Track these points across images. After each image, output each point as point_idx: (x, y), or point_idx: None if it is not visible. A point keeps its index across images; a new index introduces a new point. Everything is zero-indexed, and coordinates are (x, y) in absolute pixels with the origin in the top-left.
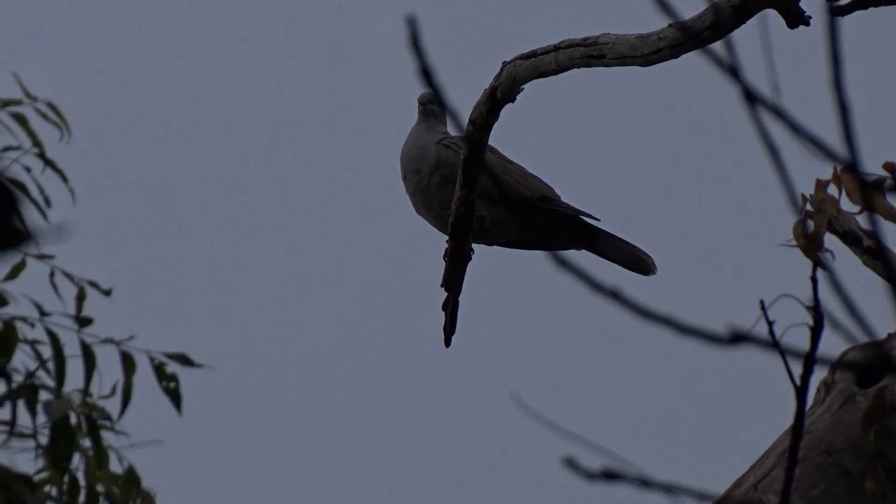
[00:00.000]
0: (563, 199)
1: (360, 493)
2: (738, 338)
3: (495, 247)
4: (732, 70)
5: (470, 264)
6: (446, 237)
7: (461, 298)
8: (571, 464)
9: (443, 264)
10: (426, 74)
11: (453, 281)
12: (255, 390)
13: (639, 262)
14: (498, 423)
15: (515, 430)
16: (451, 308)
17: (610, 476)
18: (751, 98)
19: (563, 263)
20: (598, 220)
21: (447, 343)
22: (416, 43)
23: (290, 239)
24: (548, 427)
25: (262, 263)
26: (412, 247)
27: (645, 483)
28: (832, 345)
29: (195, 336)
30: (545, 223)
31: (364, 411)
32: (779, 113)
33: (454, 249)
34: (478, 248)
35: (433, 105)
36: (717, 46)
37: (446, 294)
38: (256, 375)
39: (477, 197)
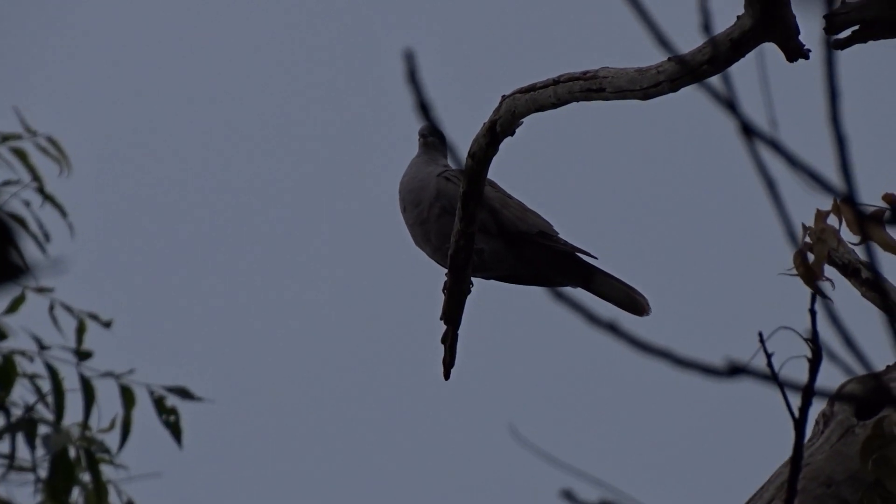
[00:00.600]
0: (561, 235)
1: None
2: (735, 370)
3: (493, 281)
4: (730, 104)
5: (469, 297)
6: (445, 270)
7: (460, 331)
8: (569, 496)
9: (442, 297)
10: (423, 108)
11: (452, 314)
12: (254, 423)
13: (633, 303)
14: (496, 455)
15: (514, 463)
16: (450, 341)
17: None
18: (748, 131)
19: (561, 297)
20: (596, 259)
21: (446, 376)
22: (413, 77)
23: (290, 271)
24: (545, 459)
25: (262, 296)
26: (412, 279)
27: None
28: (831, 376)
29: (195, 369)
30: (542, 259)
31: (364, 444)
32: (776, 146)
33: (453, 282)
34: (476, 282)
35: (433, 137)
36: (716, 80)
37: (445, 327)
38: (256, 408)
39: (476, 230)
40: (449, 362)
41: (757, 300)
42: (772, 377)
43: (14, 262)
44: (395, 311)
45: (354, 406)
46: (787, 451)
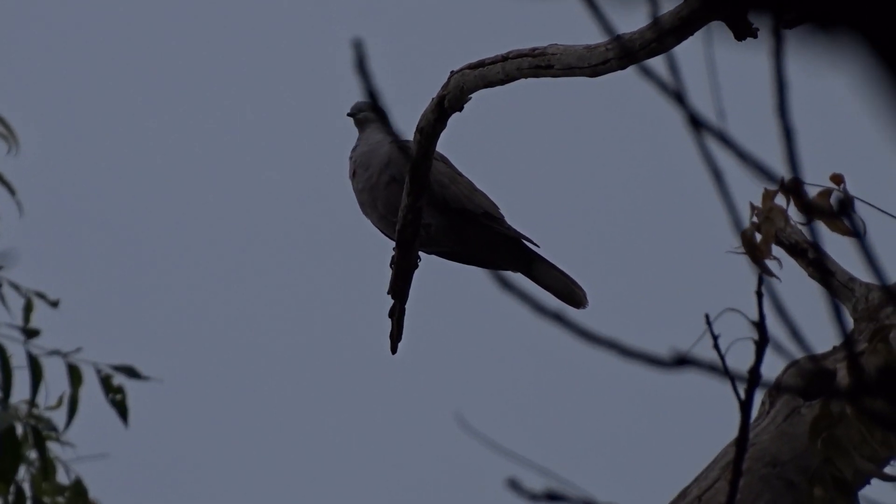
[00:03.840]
0: (508, 218)
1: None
2: (682, 361)
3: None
4: (677, 95)
5: (417, 272)
6: (393, 244)
7: (407, 306)
8: (514, 485)
9: (389, 272)
10: (372, 96)
11: (400, 288)
12: (200, 401)
13: (571, 294)
14: (441, 432)
15: (458, 442)
16: (397, 315)
17: (553, 497)
18: (696, 123)
19: (507, 285)
20: (538, 247)
21: (393, 350)
22: (362, 66)
23: (237, 247)
24: (491, 448)
25: (207, 272)
26: (359, 254)
27: None
28: (777, 358)
29: (143, 349)
30: (485, 240)
31: (311, 418)
32: (723, 137)
33: (401, 257)
34: (424, 257)
35: (364, 113)
36: (664, 70)
37: (393, 301)
38: (202, 386)
39: (424, 205)
40: (396, 337)
41: (705, 281)
42: (719, 361)
43: None
44: (343, 286)
45: (301, 380)
46: (731, 432)
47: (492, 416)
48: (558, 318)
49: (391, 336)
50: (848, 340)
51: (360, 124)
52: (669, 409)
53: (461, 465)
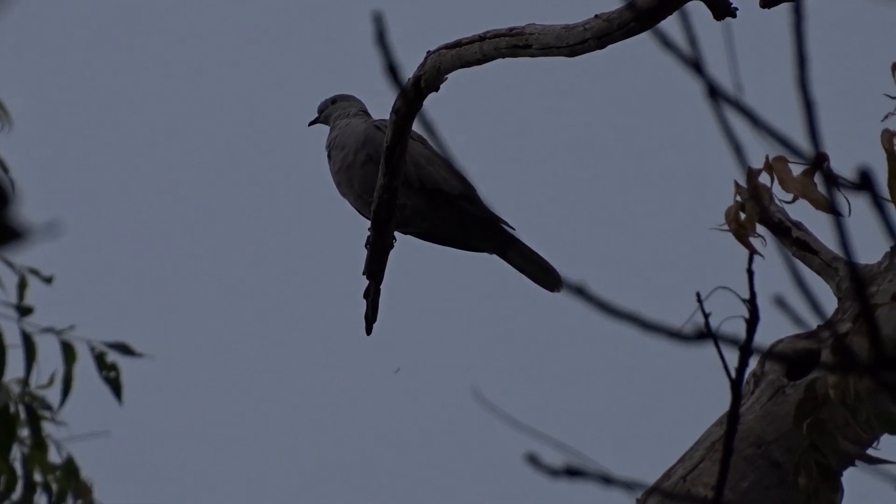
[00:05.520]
0: (485, 200)
1: (291, 479)
2: (702, 335)
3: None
4: (696, 65)
5: (392, 252)
6: (368, 224)
7: (382, 287)
8: (534, 460)
9: (364, 252)
10: (392, 70)
11: (375, 269)
12: (181, 380)
13: (546, 278)
14: (417, 411)
15: (436, 419)
16: (372, 296)
17: (573, 472)
18: (714, 93)
19: (527, 258)
20: (514, 229)
21: (368, 331)
22: (382, 39)
23: (217, 227)
24: (508, 423)
25: (190, 253)
26: (334, 235)
27: (606, 480)
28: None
29: (135, 326)
30: (461, 221)
31: (292, 396)
32: (742, 109)
33: (376, 238)
34: (399, 238)
35: (328, 108)
36: (682, 42)
37: (368, 282)
38: (184, 365)
39: (399, 185)
40: (371, 318)
41: (691, 259)
42: (712, 338)
43: (11, 227)
44: (318, 267)
45: (282, 358)
46: (715, 412)
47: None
48: (580, 291)
49: (366, 317)
50: (829, 321)
51: (329, 119)
52: (650, 389)
53: (437, 431)
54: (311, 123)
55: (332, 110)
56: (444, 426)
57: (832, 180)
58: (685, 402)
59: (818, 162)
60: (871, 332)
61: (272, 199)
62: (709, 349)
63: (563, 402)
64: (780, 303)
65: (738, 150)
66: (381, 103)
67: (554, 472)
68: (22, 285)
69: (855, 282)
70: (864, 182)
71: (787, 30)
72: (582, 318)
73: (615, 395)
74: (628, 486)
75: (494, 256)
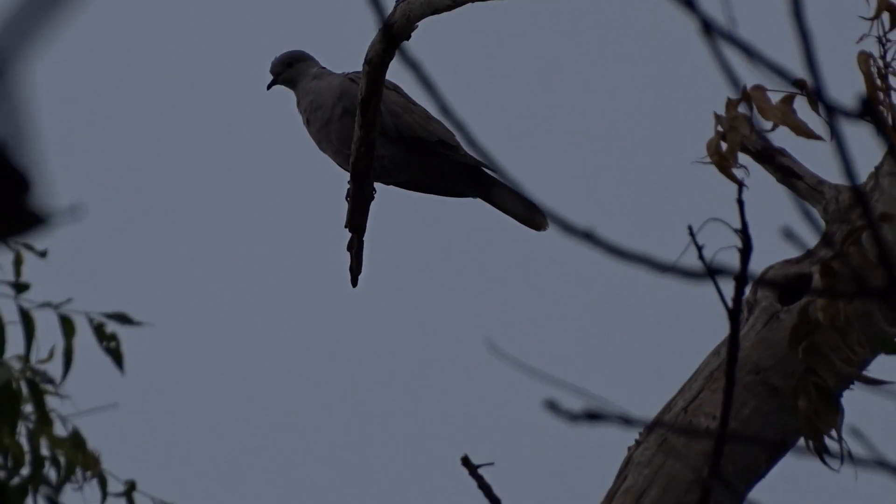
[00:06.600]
0: (464, 145)
1: (291, 443)
2: (714, 271)
3: (396, 187)
4: (687, 2)
5: (373, 204)
6: (348, 177)
7: (365, 238)
8: (553, 406)
9: (345, 205)
10: (375, 3)
11: (357, 221)
12: (174, 346)
13: (532, 217)
14: (408, 361)
15: (428, 369)
16: (356, 248)
17: (593, 416)
18: (708, 29)
19: (533, 207)
20: (494, 172)
21: (354, 283)
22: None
23: (200, 189)
24: (525, 371)
25: (177, 217)
26: (314, 189)
27: (625, 420)
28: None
29: (127, 296)
30: (442, 168)
31: (284, 354)
32: (737, 42)
33: (356, 190)
34: (380, 188)
35: (286, 72)
36: None
37: (350, 235)
38: (178, 330)
39: (376, 136)
40: (356, 270)
41: (678, 192)
42: (708, 271)
43: (34, 213)
44: (300, 221)
45: (273, 317)
46: (707, 343)
47: (456, 341)
48: (588, 236)
49: (351, 269)
50: (828, 239)
51: (288, 83)
52: (646, 322)
53: (431, 382)
54: (270, 86)
55: (290, 73)
56: (437, 373)
57: (827, 107)
58: (677, 336)
59: (797, 87)
60: (881, 253)
61: (250, 162)
62: (701, 281)
63: (553, 342)
64: (788, 234)
65: (734, 82)
66: (332, 58)
67: (574, 417)
68: (17, 262)
69: (860, 202)
70: (866, 109)
71: None
72: (568, 256)
73: (607, 331)
74: (651, 425)
75: (478, 200)
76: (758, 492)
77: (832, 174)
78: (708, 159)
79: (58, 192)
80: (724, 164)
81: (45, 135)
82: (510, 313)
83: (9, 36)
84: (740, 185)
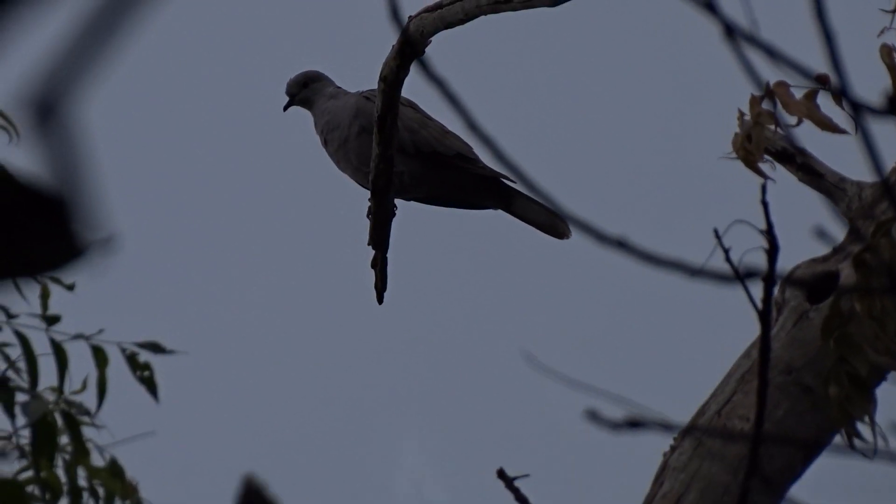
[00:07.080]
0: (483, 158)
1: (329, 463)
2: (749, 274)
3: (416, 203)
4: (709, 5)
5: (395, 220)
6: (369, 194)
7: (389, 255)
8: (594, 416)
9: (367, 223)
10: (395, 13)
11: (380, 238)
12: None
13: (554, 226)
14: (441, 375)
15: (460, 382)
16: (380, 265)
17: (635, 424)
18: (730, 32)
19: (561, 217)
20: (514, 182)
21: (380, 300)
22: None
23: (223, 207)
24: (564, 383)
25: (203, 244)
26: (336, 209)
27: (665, 426)
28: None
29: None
30: (461, 181)
31: (316, 376)
32: (759, 44)
33: (377, 206)
34: (401, 204)
35: (302, 92)
36: None
37: (374, 252)
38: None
39: (395, 152)
40: (381, 287)
41: (699, 192)
42: (736, 273)
43: (76, 245)
44: (324, 241)
45: (302, 337)
46: (737, 345)
47: (488, 353)
48: (621, 244)
49: (376, 286)
50: (857, 232)
51: (304, 103)
52: (676, 327)
53: (459, 392)
54: (286, 108)
55: (306, 94)
56: (469, 386)
57: (853, 104)
58: (706, 340)
59: (820, 83)
60: (864, 250)
61: (272, 187)
62: (729, 284)
63: (577, 346)
64: (820, 232)
65: (757, 82)
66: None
67: (615, 426)
68: (45, 295)
69: (887, 195)
70: (892, 107)
71: None
72: (592, 262)
73: (634, 337)
74: (686, 429)
75: (499, 212)
76: (795, 490)
77: (853, 171)
78: (734, 155)
79: (102, 226)
80: (750, 158)
81: (99, 171)
82: (536, 322)
83: (61, 75)
84: (767, 179)
